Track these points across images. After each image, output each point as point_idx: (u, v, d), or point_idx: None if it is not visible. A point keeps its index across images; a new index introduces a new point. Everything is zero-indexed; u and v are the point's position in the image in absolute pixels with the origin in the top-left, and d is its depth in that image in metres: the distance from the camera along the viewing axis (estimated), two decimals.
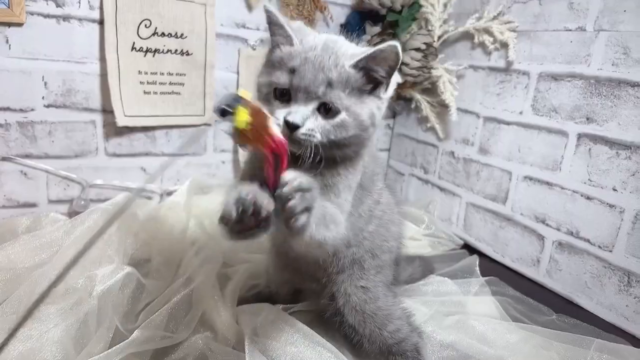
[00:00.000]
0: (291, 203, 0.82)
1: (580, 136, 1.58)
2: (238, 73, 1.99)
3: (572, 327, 1.45)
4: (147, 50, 1.76)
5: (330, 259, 1.15)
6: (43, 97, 1.66)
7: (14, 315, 1.14)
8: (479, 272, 1.71)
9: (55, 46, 1.64)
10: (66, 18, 1.63)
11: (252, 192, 0.84)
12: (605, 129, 1.52)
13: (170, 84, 1.84)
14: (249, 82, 1.95)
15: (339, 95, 0.94)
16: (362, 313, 1.18)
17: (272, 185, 0.87)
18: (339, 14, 2.16)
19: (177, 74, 1.84)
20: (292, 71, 0.94)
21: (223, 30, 1.91)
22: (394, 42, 0.92)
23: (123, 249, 1.47)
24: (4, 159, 1.65)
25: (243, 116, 0.82)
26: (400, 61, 0.96)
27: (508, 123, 1.83)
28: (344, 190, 1.05)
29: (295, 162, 0.96)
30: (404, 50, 1.98)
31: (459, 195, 2.09)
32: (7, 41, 1.57)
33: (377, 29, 2.06)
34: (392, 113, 2.42)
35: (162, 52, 1.79)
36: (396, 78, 1.04)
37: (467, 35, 1.97)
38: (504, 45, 1.81)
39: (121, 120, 1.75)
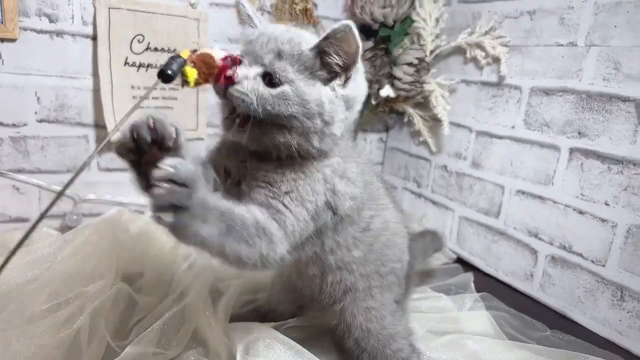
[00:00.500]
0: (154, 192, 0.72)
1: (572, 151, 1.59)
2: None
3: (567, 343, 1.43)
4: (140, 65, 1.76)
5: (316, 291, 1.15)
6: (36, 112, 1.66)
7: (6, 332, 1.13)
8: (473, 288, 1.70)
9: (48, 61, 1.64)
10: (59, 33, 1.64)
11: (154, 117, 0.78)
12: (597, 143, 1.52)
13: (163, 98, 1.84)
14: None
15: (285, 67, 0.91)
16: (367, 331, 1.15)
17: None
18: None
19: (169, 89, 1.84)
20: (249, 43, 0.95)
21: (216, 46, 1.91)
22: (348, 22, 0.89)
23: (115, 264, 1.46)
24: None
25: (191, 75, 0.84)
26: (359, 46, 0.92)
27: (500, 137, 1.84)
28: (296, 202, 0.96)
29: (261, 158, 0.97)
30: (395, 64, 1.99)
31: (451, 209, 2.09)
32: (0, 56, 1.57)
33: (369, 43, 2.07)
34: (385, 127, 2.42)
35: (155, 67, 1.79)
36: (362, 80, 1.01)
37: (459, 50, 1.99)
38: (496, 60, 1.82)
39: (114, 135, 1.75)
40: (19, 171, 1.68)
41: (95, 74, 1.71)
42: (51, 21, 1.62)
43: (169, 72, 0.79)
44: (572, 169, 1.59)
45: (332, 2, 2.12)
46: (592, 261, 1.54)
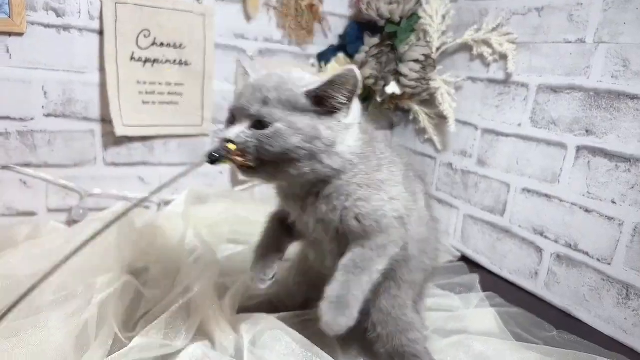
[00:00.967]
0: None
1: (579, 149, 1.59)
2: (236, 84, 1.99)
3: (573, 343, 1.41)
4: (146, 60, 1.77)
5: None
6: (43, 107, 1.67)
7: (14, 323, 1.14)
8: (479, 288, 1.67)
9: (56, 56, 1.65)
10: (66, 28, 1.64)
11: None
12: (605, 141, 1.52)
13: (169, 94, 1.84)
14: None
15: (271, 111, 0.95)
16: (388, 314, 1.18)
17: None
18: (338, 25, 2.17)
19: (175, 84, 1.84)
20: (239, 97, 1.01)
21: (222, 41, 1.92)
22: (352, 67, 0.93)
23: (122, 257, 1.46)
24: (4, 167, 1.65)
25: (226, 163, 0.98)
26: (359, 85, 0.96)
27: (507, 135, 1.83)
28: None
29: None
30: (401, 61, 1.99)
31: (456, 207, 2.09)
32: (7, 51, 1.57)
33: (375, 40, 2.06)
34: (390, 124, 2.42)
35: (161, 62, 1.79)
36: (357, 105, 1.04)
37: (466, 47, 1.98)
38: (503, 57, 1.82)
39: (120, 130, 1.76)
40: (26, 165, 1.68)
41: (102, 68, 1.71)
42: (58, 15, 1.62)
43: (216, 156, 0.95)
44: (579, 167, 1.59)
45: None
46: (598, 259, 1.54)
